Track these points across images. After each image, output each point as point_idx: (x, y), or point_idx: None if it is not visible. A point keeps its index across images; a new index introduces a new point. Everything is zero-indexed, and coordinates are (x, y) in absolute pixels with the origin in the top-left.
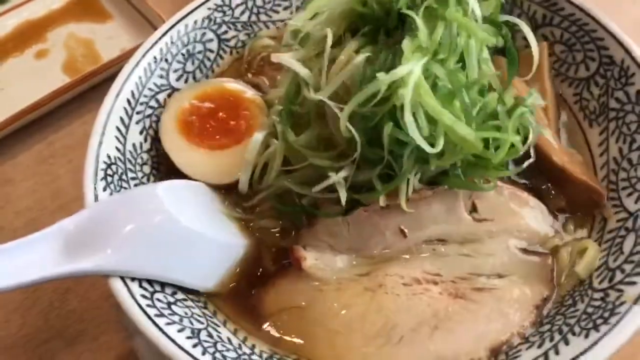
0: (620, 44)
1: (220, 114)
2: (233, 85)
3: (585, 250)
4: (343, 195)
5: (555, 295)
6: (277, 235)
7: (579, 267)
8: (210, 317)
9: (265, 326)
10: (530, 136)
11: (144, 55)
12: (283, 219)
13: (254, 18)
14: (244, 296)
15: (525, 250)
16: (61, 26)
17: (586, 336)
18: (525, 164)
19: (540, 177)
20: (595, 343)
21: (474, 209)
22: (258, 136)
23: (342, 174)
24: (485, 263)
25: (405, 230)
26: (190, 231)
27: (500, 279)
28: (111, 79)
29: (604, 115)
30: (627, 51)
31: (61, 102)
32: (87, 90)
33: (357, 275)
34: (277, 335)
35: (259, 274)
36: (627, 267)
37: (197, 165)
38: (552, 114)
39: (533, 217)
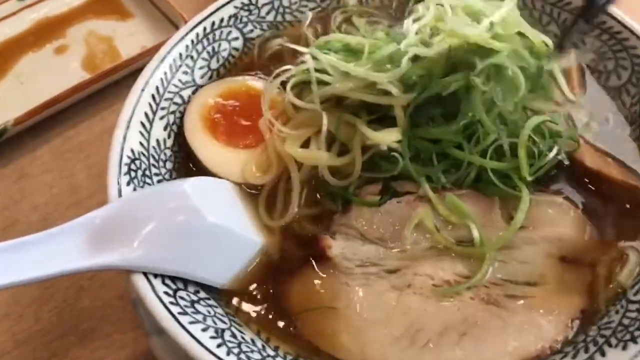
0: None
1: (246, 112)
2: (257, 83)
3: (625, 257)
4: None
5: (592, 307)
6: (306, 224)
7: (621, 276)
8: (233, 316)
9: (289, 321)
10: (556, 147)
11: (169, 52)
12: (319, 206)
13: (279, 18)
14: (267, 293)
15: (563, 259)
16: (81, 23)
17: (624, 348)
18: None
19: (581, 186)
20: (635, 356)
21: (510, 217)
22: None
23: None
24: (520, 270)
25: (438, 225)
26: (216, 227)
27: (535, 287)
28: (130, 76)
29: (636, 124)
30: None
31: (79, 97)
32: (106, 87)
33: (385, 272)
34: (300, 330)
35: (283, 269)
36: None
37: (222, 163)
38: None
39: (573, 226)
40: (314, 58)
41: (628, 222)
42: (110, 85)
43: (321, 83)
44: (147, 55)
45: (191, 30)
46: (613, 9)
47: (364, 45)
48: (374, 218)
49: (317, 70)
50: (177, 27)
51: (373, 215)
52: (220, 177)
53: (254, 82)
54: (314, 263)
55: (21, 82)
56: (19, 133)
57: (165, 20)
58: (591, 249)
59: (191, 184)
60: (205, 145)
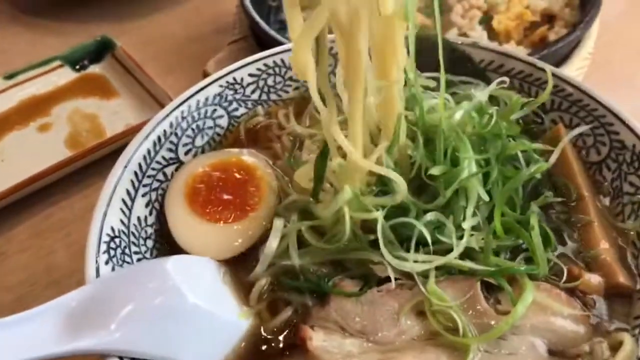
0: (631, 129)
1: (229, 187)
2: (249, 158)
3: (620, 344)
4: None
5: None
6: (285, 314)
7: None
8: None
9: None
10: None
11: (153, 129)
12: (293, 300)
13: (264, 97)
14: None
15: (552, 352)
16: (66, 101)
17: None
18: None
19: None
20: None
21: (497, 301)
22: (278, 223)
23: None
24: None
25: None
26: (198, 308)
27: None
28: (114, 154)
29: (619, 199)
30: (638, 136)
31: (61, 175)
32: (89, 165)
33: None
34: None
35: (264, 354)
36: None
37: (197, 237)
38: (592, 208)
39: (565, 316)
40: None
41: (621, 308)
42: (93, 163)
43: None
44: (131, 132)
45: (176, 108)
46: (589, 88)
47: None
48: (354, 311)
49: None
50: (162, 106)
51: (353, 307)
52: (193, 253)
53: (246, 157)
54: (296, 351)
55: (2, 159)
56: None
57: (150, 99)
58: (583, 339)
59: (173, 263)
60: (182, 217)
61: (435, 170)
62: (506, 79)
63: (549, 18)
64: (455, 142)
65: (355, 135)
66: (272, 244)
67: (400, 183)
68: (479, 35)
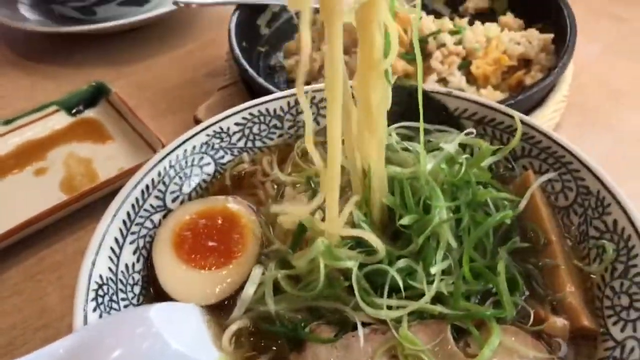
0: (595, 176)
1: (214, 234)
2: (234, 206)
3: None
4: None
5: None
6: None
7: None
8: None
9: None
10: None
11: (142, 178)
12: (271, 346)
13: (249, 144)
14: None
15: None
16: (62, 146)
17: None
18: None
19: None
20: None
21: (466, 344)
22: (257, 271)
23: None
24: None
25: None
26: (181, 355)
27: None
28: (107, 197)
29: (584, 242)
30: (602, 183)
31: (56, 219)
32: (82, 208)
33: None
34: None
35: None
36: None
37: (182, 284)
38: (559, 252)
39: (531, 359)
40: None
41: (586, 350)
42: (86, 205)
43: None
44: (123, 176)
45: (165, 157)
46: (557, 136)
47: None
48: (330, 356)
49: None
50: (154, 150)
51: (330, 353)
52: (178, 299)
53: (232, 205)
54: None
55: None
56: None
57: (143, 143)
58: None
59: (155, 311)
60: (169, 264)
61: (405, 220)
62: (473, 130)
63: (525, 62)
64: (428, 191)
65: (331, 192)
66: (249, 290)
67: (377, 245)
68: (458, 80)
